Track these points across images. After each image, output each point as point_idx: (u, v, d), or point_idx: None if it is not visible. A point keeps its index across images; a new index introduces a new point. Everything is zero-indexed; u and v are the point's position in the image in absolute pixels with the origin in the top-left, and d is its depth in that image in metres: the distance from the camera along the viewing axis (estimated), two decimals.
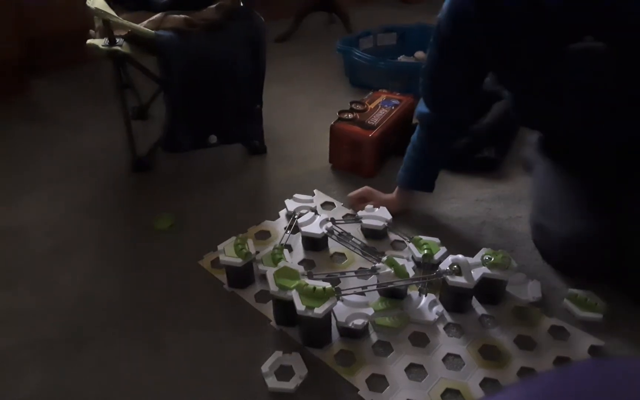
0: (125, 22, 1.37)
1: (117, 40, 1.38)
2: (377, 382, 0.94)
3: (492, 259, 1.08)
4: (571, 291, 1.11)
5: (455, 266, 1.07)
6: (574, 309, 1.07)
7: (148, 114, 1.82)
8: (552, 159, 1.29)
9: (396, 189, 1.38)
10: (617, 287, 1.11)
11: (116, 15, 1.39)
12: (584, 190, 1.18)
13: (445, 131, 1.32)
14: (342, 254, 1.24)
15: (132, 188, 1.52)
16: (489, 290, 1.09)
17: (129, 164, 1.56)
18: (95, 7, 1.34)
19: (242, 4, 1.50)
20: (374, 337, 1.03)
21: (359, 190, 1.40)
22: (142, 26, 1.39)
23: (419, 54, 2.24)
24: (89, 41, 1.40)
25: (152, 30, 1.38)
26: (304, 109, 1.99)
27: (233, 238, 1.16)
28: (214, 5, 1.50)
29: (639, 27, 0.92)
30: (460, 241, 1.27)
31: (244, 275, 1.13)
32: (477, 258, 1.09)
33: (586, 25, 0.97)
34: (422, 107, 1.33)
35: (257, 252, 1.16)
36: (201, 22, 1.42)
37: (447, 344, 1.01)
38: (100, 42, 1.38)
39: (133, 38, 1.40)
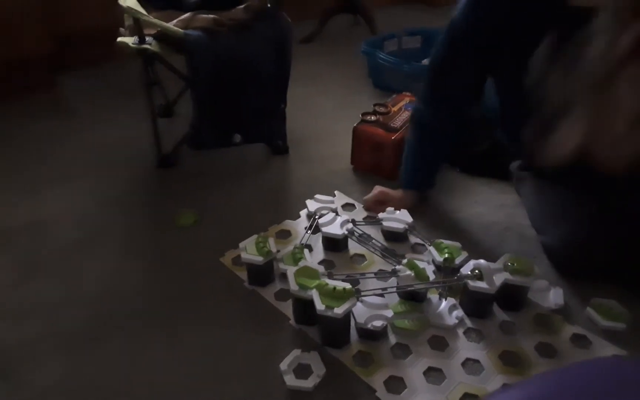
0: (155, 20, 1.39)
1: (147, 38, 1.41)
2: (395, 385, 0.94)
3: (515, 265, 1.07)
4: (595, 300, 1.09)
5: (476, 271, 1.06)
6: (597, 318, 1.05)
7: (174, 112, 1.85)
8: (539, 175, 1.29)
9: None
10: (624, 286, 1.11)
11: (146, 13, 1.41)
12: (572, 198, 1.19)
13: (439, 129, 1.33)
14: (362, 256, 1.24)
15: (157, 184, 1.55)
16: (511, 296, 1.08)
17: (154, 160, 1.59)
18: (127, 6, 1.37)
19: (269, 5, 1.52)
20: (392, 339, 1.03)
21: (374, 193, 1.40)
22: (171, 25, 1.42)
23: None
24: (119, 39, 1.43)
25: (181, 29, 1.40)
26: (327, 110, 1.99)
27: (254, 236, 1.17)
28: (242, 6, 1.52)
29: None
30: (481, 246, 1.26)
31: (264, 273, 1.14)
32: (499, 263, 1.08)
33: None
34: (417, 103, 1.35)
35: (278, 251, 1.17)
36: (229, 22, 1.44)
37: (466, 348, 1.01)
38: (130, 40, 1.40)
39: (162, 37, 1.43)
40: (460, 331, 1.04)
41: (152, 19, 1.39)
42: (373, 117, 1.61)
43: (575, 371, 0.40)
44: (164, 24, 1.40)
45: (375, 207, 1.38)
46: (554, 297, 1.10)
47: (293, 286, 1.02)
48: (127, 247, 1.29)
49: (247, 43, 1.44)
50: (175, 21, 1.45)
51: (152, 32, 1.44)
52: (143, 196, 1.50)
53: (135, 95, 1.62)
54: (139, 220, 1.39)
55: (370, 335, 1.02)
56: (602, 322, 1.04)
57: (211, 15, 1.47)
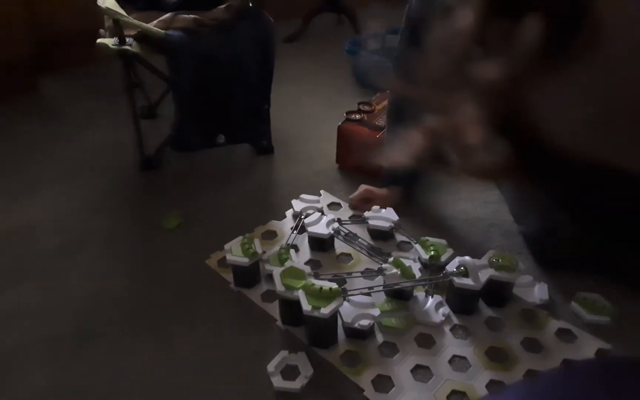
0: (135, 21, 1.38)
1: (127, 39, 1.39)
2: (383, 383, 0.94)
3: (500, 261, 1.07)
4: (579, 294, 1.10)
5: (462, 267, 1.06)
6: (582, 312, 1.06)
7: (157, 113, 1.83)
8: None
9: None
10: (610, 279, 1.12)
11: (126, 14, 1.40)
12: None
13: (415, 120, 1.32)
14: (349, 255, 1.24)
15: (140, 187, 1.53)
16: (496, 292, 1.08)
17: (137, 163, 1.57)
18: (106, 7, 1.35)
19: (251, 4, 1.51)
20: (379, 337, 1.03)
21: (359, 191, 1.40)
22: (151, 26, 1.40)
23: None
24: (99, 40, 1.41)
25: (162, 30, 1.39)
26: (311, 110, 1.99)
27: (240, 237, 1.16)
28: (223, 6, 1.51)
29: None
30: (467, 243, 1.27)
31: (250, 274, 1.13)
32: (484, 260, 1.09)
33: None
34: (391, 97, 1.36)
35: (264, 252, 1.16)
36: (211, 22, 1.43)
37: (453, 345, 1.01)
38: (110, 42, 1.39)
39: (143, 37, 1.41)
40: (446, 328, 1.05)
41: (131, 19, 1.38)
42: (357, 116, 1.61)
43: (554, 378, 0.40)
44: (144, 24, 1.39)
45: (361, 205, 1.38)
46: (539, 292, 1.11)
47: (279, 287, 1.01)
48: (111, 251, 1.28)
49: (229, 43, 1.43)
50: (155, 22, 1.44)
51: (133, 33, 1.42)
52: (126, 199, 1.48)
53: (118, 98, 1.60)
54: (123, 223, 1.37)
55: (357, 335, 1.02)
56: (586, 316, 1.05)
57: (192, 16, 1.45)
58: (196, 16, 1.45)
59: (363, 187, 1.41)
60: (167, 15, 1.49)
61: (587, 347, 1.00)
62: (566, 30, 0.25)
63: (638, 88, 0.21)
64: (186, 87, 1.41)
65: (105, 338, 1.04)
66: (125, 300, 1.13)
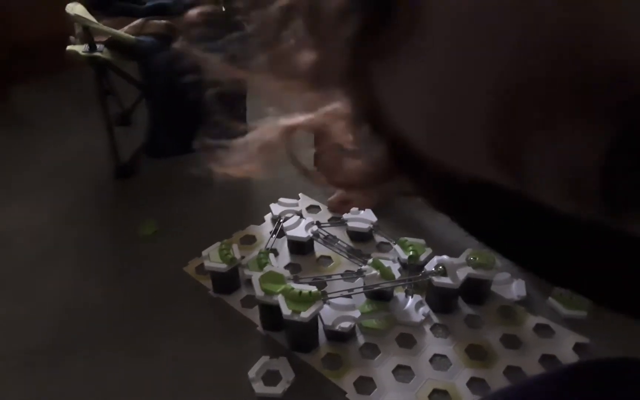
0: (105, 28, 1.35)
1: (98, 46, 1.36)
2: (365, 385, 0.94)
3: (477, 259, 1.08)
4: (556, 289, 1.12)
5: (440, 267, 1.07)
6: (559, 307, 1.08)
7: (131, 120, 1.80)
8: None
9: None
10: None
11: (96, 21, 1.37)
12: None
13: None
14: (329, 257, 1.24)
15: (116, 195, 1.51)
16: (475, 290, 1.09)
17: (112, 171, 1.55)
18: (75, 14, 1.33)
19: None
20: (361, 339, 1.02)
21: (337, 193, 1.40)
22: (122, 32, 1.38)
23: None
24: (68, 47, 1.38)
25: (133, 35, 1.37)
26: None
27: (218, 243, 1.15)
28: None
29: None
30: (445, 242, 1.27)
31: (229, 280, 1.12)
32: (462, 258, 1.10)
33: None
34: None
35: (243, 257, 1.15)
36: (183, 27, 1.41)
37: (433, 344, 1.01)
38: (80, 49, 1.36)
39: (114, 44, 1.39)
40: (427, 327, 1.05)
41: (101, 26, 1.35)
42: None
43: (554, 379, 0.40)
44: (115, 31, 1.37)
45: (340, 207, 1.38)
46: (517, 288, 1.12)
47: (258, 292, 1.00)
48: (87, 262, 1.25)
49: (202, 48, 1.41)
50: (126, 28, 1.42)
51: (104, 39, 1.39)
52: (101, 208, 1.45)
53: (91, 105, 1.57)
54: (98, 233, 1.35)
55: (338, 337, 1.01)
56: (563, 311, 1.07)
57: (164, 21, 1.43)
58: (168, 22, 1.43)
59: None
60: (139, 21, 1.46)
61: (565, 342, 1.01)
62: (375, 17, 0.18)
63: (468, 66, 0.15)
64: (159, 93, 1.39)
65: (81, 350, 1.01)
66: (101, 310, 1.11)
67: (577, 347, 1.00)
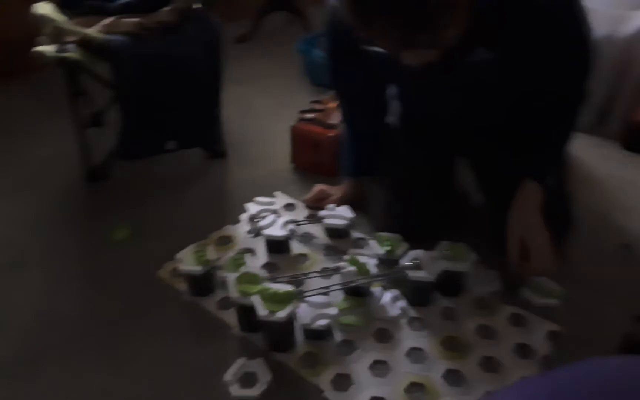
0: (74, 27, 1.33)
1: (68, 46, 1.33)
2: (343, 382, 0.94)
3: (452, 252, 1.09)
4: (530, 279, 1.13)
5: (415, 260, 1.08)
6: (532, 296, 1.09)
7: (104, 121, 1.77)
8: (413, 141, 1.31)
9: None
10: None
11: (65, 20, 1.34)
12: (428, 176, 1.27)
13: (361, 95, 1.32)
14: (305, 255, 1.24)
15: (88, 198, 1.48)
16: (450, 283, 1.10)
17: (83, 174, 1.52)
18: (42, 13, 1.30)
19: (197, 6, 1.48)
20: (338, 336, 1.03)
21: (313, 191, 1.40)
22: (92, 31, 1.35)
23: None
24: (36, 48, 1.35)
25: (104, 35, 1.34)
26: (264, 110, 1.97)
27: (192, 245, 1.14)
28: (167, 8, 1.47)
29: (519, 42, 0.98)
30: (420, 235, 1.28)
31: (204, 283, 1.11)
32: (436, 252, 1.11)
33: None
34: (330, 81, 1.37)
35: (218, 259, 1.14)
36: (155, 25, 1.39)
37: (410, 338, 1.02)
38: (49, 49, 1.33)
39: (85, 44, 1.36)
40: (403, 321, 1.06)
41: (70, 25, 1.33)
42: (310, 115, 1.60)
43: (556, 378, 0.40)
44: (84, 30, 1.34)
45: (316, 205, 1.38)
46: (491, 279, 1.14)
47: (234, 294, 1.00)
48: (59, 268, 1.23)
49: (175, 46, 1.40)
50: (97, 27, 1.39)
51: (74, 39, 1.36)
52: (73, 213, 1.43)
53: (63, 107, 1.54)
54: (70, 238, 1.32)
55: (316, 335, 1.01)
56: (536, 300, 1.08)
57: (135, 19, 1.41)
58: (139, 20, 1.41)
59: (318, 187, 1.40)
60: (109, 19, 1.44)
61: (539, 330, 1.03)
62: None
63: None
64: (131, 93, 1.37)
65: (53, 361, 1.00)
66: (73, 319, 1.09)
67: (551, 335, 1.02)
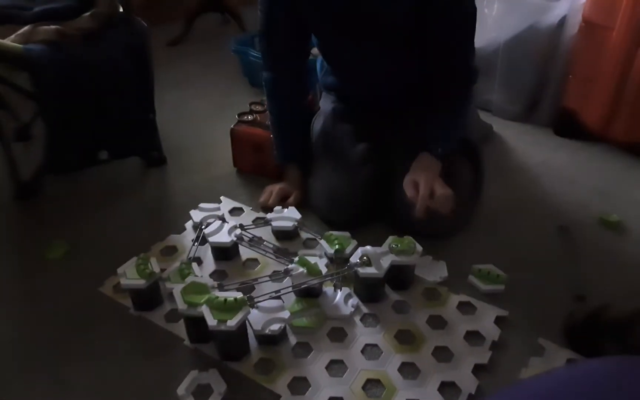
0: None
1: None
2: (299, 385, 0.93)
3: (399, 246, 1.10)
4: (474, 266, 1.17)
5: (364, 257, 1.08)
6: (478, 283, 1.13)
7: (31, 135, 1.67)
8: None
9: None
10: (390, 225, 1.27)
11: None
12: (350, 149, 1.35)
13: (287, 89, 1.40)
14: (255, 260, 1.21)
15: (18, 217, 1.39)
16: (399, 276, 1.12)
17: (12, 191, 1.42)
18: None
19: (120, 10, 1.42)
20: (292, 340, 1.01)
21: (274, 194, 1.38)
22: (8, 41, 1.27)
23: (315, 50, 2.25)
24: None
25: (20, 44, 1.26)
26: (203, 114, 1.92)
27: (134, 258, 1.09)
28: (88, 13, 1.40)
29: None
30: (368, 232, 1.29)
31: (149, 296, 1.07)
32: (384, 247, 1.11)
33: None
34: (264, 73, 1.40)
35: (163, 270, 1.10)
36: (75, 31, 1.32)
37: (364, 334, 1.02)
38: None
39: (1, 55, 1.27)
40: (357, 318, 1.06)
41: None
42: (250, 117, 1.58)
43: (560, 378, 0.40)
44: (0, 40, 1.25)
45: (280, 205, 1.35)
46: (439, 270, 1.16)
47: (181, 305, 0.96)
48: None
49: (98, 52, 1.33)
50: (13, 36, 1.30)
51: None
52: (4, 232, 1.33)
53: None
54: (2, 259, 1.23)
55: (269, 341, 1.00)
56: (483, 287, 1.12)
57: (54, 26, 1.32)
58: (58, 27, 1.32)
59: (275, 187, 1.39)
60: (26, 27, 1.34)
61: (487, 316, 1.06)
62: None
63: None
64: (54, 103, 1.29)
65: None
66: (11, 344, 1.02)
67: (498, 320, 1.05)
